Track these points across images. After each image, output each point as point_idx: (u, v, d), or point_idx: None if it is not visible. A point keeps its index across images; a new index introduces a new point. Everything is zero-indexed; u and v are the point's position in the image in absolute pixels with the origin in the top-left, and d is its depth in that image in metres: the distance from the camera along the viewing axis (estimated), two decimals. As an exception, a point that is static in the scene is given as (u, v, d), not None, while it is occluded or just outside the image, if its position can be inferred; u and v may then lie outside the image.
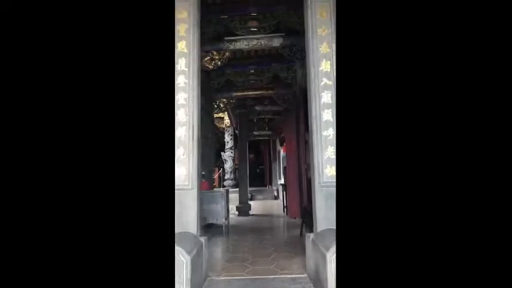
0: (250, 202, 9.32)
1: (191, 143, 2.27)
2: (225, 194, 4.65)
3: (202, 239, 2.19)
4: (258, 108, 6.87)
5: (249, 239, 3.80)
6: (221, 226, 4.50)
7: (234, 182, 10.77)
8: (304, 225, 3.77)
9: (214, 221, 4.49)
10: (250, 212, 6.54)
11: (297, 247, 3.19)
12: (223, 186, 11.37)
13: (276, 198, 10.59)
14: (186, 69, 2.33)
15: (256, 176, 14.07)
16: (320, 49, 2.41)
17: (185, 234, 2.05)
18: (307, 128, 4.55)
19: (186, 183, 2.18)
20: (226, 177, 11.43)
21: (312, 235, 2.22)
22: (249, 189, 10.62)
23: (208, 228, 4.40)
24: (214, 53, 4.56)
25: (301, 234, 3.77)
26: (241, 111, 6.78)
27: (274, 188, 11.21)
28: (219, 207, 4.52)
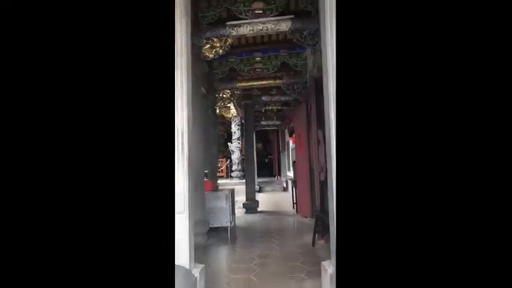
0: (259, 195, 9.04)
1: (181, 153, 1.88)
2: (229, 195, 4.30)
3: (197, 272, 1.84)
4: (264, 98, 6.39)
5: (255, 248, 3.46)
6: (226, 229, 4.19)
7: (241, 173, 10.50)
8: (316, 234, 3.39)
9: (218, 225, 4.17)
10: (258, 209, 6.22)
11: (310, 263, 2.83)
12: (231, 177, 11.13)
13: (285, 189, 10.25)
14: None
15: (265, 166, 13.73)
16: (339, 35, 1.91)
17: (176, 269, 1.68)
18: (319, 123, 4.10)
19: (175, 204, 1.80)
20: (233, 169, 11.15)
21: (329, 268, 1.83)
22: (258, 180, 10.36)
23: (212, 231, 4.09)
24: (215, 40, 4.08)
25: (313, 244, 3.40)
26: (247, 103, 6.33)
27: (283, 179, 10.86)
28: (224, 210, 4.19)
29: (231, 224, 4.28)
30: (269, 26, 3.99)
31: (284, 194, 9.53)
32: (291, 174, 9.37)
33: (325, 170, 3.72)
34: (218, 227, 4.18)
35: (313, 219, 4.95)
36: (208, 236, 3.96)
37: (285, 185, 10.39)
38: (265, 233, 4.20)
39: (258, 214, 5.90)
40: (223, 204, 4.19)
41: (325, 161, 3.88)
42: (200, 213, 3.86)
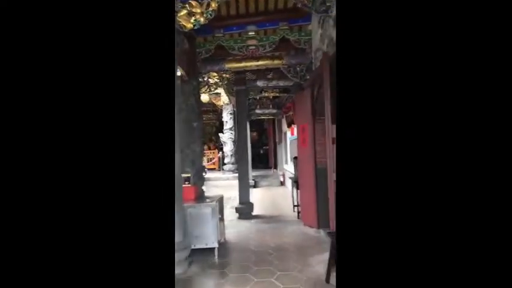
0: (253, 191, 8.19)
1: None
2: (217, 208, 3.39)
3: None
4: (260, 83, 5.40)
5: (248, 284, 2.59)
6: (213, 250, 3.31)
7: (234, 165, 9.63)
8: (331, 266, 2.52)
9: (203, 246, 3.29)
10: (253, 213, 5.37)
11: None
12: (223, 170, 10.25)
13: (282, 184, 9.43)
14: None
15: (260, 157, 12.84)
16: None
17: None
18: (335, 117, 3.16)
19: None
20: (226, 161, 10.25)
21: None
22: (252, 174, 9.49)
23: (195, 254, 3.21)
24: (194, 4, 3.05)
25: (327, 279, 2.54)
26: (239, 89, 5.32)
27: (280, 172, 10.01)
28: (210, 226, 3.29)
29: (219, 242, 3.40)
30: (266, -16, 2.98)
31: (281, 189, 8.71)
32: (288, 167, 8.51)
33: (341, 178, 2.82)
34: (203, 248, 3.30)
35: (320, 231, 4.13)
36: (190, 260, 3.08)
37: (281, 179, 9.55)
38: (262, 254, 3.34)
39: (253, 220, 5.04)
40: (209, 219, 3.29)
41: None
42: (178, 234, 2.95)
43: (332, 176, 2.74)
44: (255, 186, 9.11)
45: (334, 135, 2.83)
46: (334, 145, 2.85)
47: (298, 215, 5.02)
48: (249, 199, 5.44)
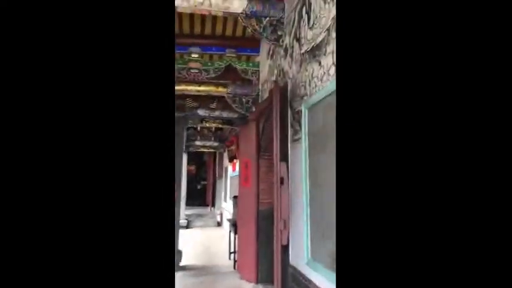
0: (186, 232, 7.21)
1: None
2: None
3: None
4: (201, 112, 4.90)
5: None
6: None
7: (167, 202, 8.52)
8: None
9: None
10: (181, 263, 4.49)
11: None
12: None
13: (219, 224, 8.63)
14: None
15: (197, 193, 11.84)
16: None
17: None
18: (284, 154, 2.76)
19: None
20: (157, 197, 9.05)
21: None
22: (186, 212, 8.50)
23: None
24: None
25: None
26: (177, 115, 4.71)
27: (218, 211, 9.21)
28: None
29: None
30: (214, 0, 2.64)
31: (218, 230, 7.89)
32: (227, 206, 7.84)
33: (288, 228, 2.35)
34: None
35: (258, 287, 3.52)
36: None
37: (219, 219, 8.75)
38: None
39: (181, 273, 4.16)
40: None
41: (289, 213, 2.54)
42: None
43: (279, 224, 2.25)
44: (187, 227, 8.11)
45: (283, 174, 2.42)
46: (282, 186, 2.42)
47: (234, 264, 4.33)
48: (177, 246, 4.55)
